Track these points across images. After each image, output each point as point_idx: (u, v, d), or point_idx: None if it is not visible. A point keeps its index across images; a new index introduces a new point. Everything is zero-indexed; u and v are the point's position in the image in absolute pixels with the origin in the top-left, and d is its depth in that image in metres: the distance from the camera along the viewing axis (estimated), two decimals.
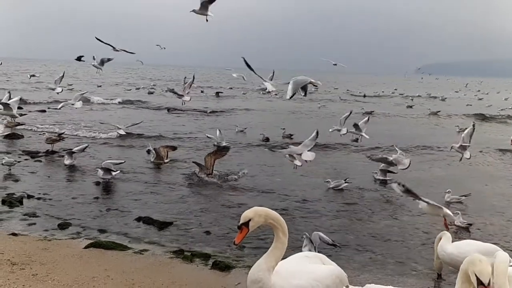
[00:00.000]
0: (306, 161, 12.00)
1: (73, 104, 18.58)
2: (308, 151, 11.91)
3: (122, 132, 19.25)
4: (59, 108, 20.08)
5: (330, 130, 15.35)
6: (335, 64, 16.36)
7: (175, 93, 16.38)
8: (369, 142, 18.64)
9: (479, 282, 3.34)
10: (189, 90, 15.60)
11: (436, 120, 31.73)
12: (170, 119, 28.11)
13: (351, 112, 18.34)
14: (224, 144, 16.51)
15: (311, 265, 4.51)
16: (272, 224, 4.22)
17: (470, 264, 3.45)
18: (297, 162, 12.14)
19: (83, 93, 20.37)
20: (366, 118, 17.61)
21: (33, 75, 40.71)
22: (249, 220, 4.13)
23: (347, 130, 16.86)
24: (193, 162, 13.89)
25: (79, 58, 14.21)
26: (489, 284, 3.31)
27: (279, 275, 4.21)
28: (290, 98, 7.97)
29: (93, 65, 13.05)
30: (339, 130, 18.28)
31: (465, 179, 14.39)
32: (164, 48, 21.55)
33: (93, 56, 13.32)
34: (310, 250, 7.71)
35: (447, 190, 11.69)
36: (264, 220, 4.19)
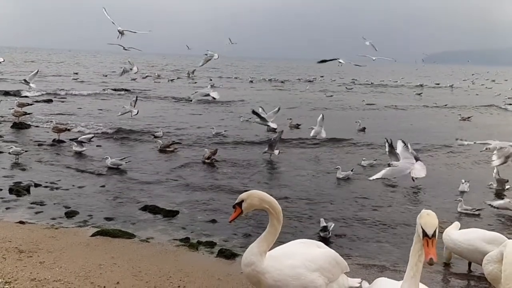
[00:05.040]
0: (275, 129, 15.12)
1: (28, 83, 19.19)
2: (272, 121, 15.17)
3: (135, 111, 19.21)
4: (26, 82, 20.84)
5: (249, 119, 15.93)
6: (374, 59, 17.85)
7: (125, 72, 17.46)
8: (376, 138, 18.51)
9: (424, 233, 3.42)
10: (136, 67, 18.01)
11: (445, 112, 31.27)
12: (179, 107, 28.00)
13: (279, 108, 18.23)
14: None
15: (306, 248, 4.60)
16: (267, 209, 4.35)
17: (418, 217, 3.56)
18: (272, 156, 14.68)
19: (36, 72, 21.05)
20: (276, 109, 17.39)
21: None
22: (243, 201, 4.32)
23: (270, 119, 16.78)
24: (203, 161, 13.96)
25: None
26: (433, 236, 3.38)
27: (272, 257, 4.36)
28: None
29: (118, 30, 13.42)
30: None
31: (480, 172, 14.23)
32: (234, 43, 24.13)
33: (118, 30, 13.74)
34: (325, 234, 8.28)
35: (462, 181, 11.74)
36: (259, 203, 4.33)
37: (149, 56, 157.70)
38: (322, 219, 8.54)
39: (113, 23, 13.49)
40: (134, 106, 19.40)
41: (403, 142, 11.81)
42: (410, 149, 11.72)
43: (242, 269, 4.37)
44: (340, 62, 13.78)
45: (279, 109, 16.87)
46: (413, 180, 11.84)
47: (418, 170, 11.60)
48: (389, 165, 13.15)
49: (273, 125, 14.91)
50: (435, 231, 3.41)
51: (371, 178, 10.21)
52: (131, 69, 15.56)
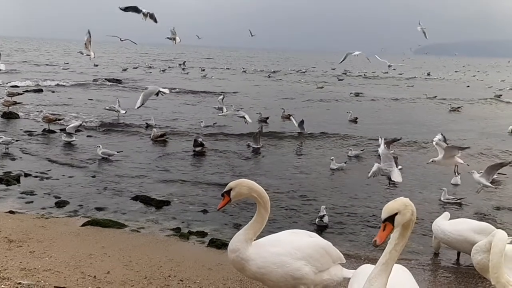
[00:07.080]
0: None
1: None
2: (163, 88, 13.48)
3: (122, 111, 19.13)
4: None
5: (220, 114, 16.12)
6: (390, 66, 18.23)
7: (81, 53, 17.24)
8: (367, 129, 18.53)
9: None
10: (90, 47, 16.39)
11: (435, 103, 31.24)
12: (172, 98, 27.64)
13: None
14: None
15: (294, 237, 4.62)
16: (255, 198, 4.39)
17: None
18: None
19: None
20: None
21: None
22: (231, 189, 4.36)
23: (227, 110, 17.00)
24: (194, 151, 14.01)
25: None
26: (386, 220, 3.21)
27: (258, 245, 4.40)
28: (139, 107, 10.08)
29: (142, 12, 13.35)
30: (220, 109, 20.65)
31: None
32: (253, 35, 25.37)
33: (142, 12, 13.65)
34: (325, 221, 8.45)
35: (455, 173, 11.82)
36: (248, 192, 4.37)
37: (141, 46, 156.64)
38: (322, 207, 8.59)
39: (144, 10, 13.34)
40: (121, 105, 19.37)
41: (385, 143, 11.83)
42: (389, 152, 11.87)
43: (228, 256, 4.42)
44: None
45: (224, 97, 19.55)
46: (390, 183, 12.07)
47: (396, 174, 11.75)
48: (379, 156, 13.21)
49: (247, 117, 15.15)
50: (390, 216, 3.23)
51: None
52: (88, 55, 15.26)
